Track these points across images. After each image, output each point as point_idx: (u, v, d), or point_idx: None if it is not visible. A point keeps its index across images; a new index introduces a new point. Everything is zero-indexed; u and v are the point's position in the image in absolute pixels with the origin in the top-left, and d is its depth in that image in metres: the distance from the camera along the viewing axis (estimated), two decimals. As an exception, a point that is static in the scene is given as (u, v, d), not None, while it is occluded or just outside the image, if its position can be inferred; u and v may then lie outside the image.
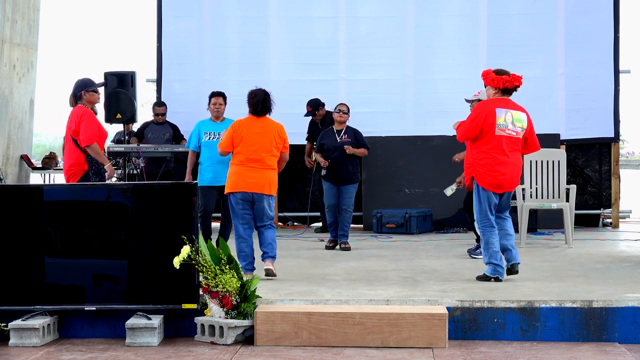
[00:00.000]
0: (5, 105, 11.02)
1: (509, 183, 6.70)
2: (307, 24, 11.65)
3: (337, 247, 8.89)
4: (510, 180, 6.70)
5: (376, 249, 9.07)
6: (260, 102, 6.94)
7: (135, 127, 11.64)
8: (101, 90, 11.13)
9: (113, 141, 11.81)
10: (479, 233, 6.92)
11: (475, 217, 6.90)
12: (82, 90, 7.58)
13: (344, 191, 8.80)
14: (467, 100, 8.47)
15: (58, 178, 13.09)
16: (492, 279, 6.65)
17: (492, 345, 5.56)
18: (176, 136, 10.93)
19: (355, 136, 8.87)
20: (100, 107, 11.56)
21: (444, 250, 8.83)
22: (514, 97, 6.85)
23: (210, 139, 8.26)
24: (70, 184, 7.15)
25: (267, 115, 7.04)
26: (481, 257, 7.95)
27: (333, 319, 5.57)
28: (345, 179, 8.77)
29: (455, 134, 7.26)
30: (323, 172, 8.81)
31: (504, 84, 6.70)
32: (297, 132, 11.34)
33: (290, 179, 11.83)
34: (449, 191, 8.48)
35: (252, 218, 6.94)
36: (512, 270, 6.69)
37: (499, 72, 6.74)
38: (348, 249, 8.78)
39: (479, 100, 8.17)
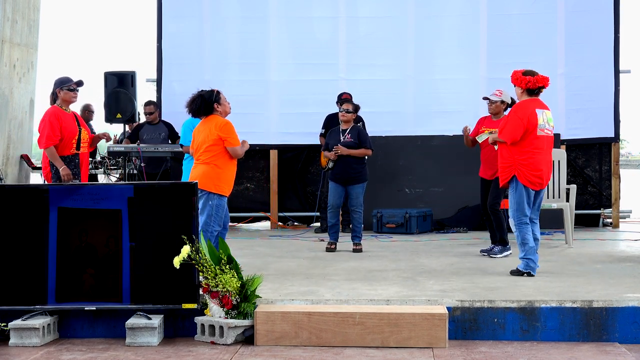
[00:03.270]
0: (5, 105, 11.02)
1: (546, 179, 7.03)
2: (307, 24, 11.64)
3: (336, 248, 8.83)
4: (548, 176, 7.04)
5: (376, 249, 9.07)
6: (187, 109, 7.08)
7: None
8: (103, 90, 11.19)
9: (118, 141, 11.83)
10: (513, 230, 7.08)
11: (511, 214, 7.06)
12: (57, 89, 7.54)
13: (351, 191, 8.73)
14: (485, 99, 8.45)
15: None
16: (525, 274, 6.87)
17: (492, 345, 5.56)
18: (172, 135, 10.94)
19: (358, 136, 8.78)
20: (100, 107, 11.62)
21: (444, 250, 8.82)
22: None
23: None
24: (70, 184, 7.15)
25: (215, 114, 7.02)
26: (500, 256, 8.07)
27: (333, 319, 5.57)
28: (351, 179, 8.71)
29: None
30: (331, 164, 8.70)
31: (526, 84, 6.93)
32: (296, 132, 11.38)
33: (290, 179, 11.83)
34: (483, 136, 8.36)
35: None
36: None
37: (526, 73, 6.99)
38: (360, 250, 8.68)
39: (502, 101, 8.23)
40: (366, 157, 8.89)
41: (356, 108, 8.90)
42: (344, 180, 8.70)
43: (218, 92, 7.05)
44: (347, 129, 8.79)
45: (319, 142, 10.63)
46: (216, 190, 6.86)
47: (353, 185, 8.72)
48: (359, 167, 8.76)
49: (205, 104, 7.00)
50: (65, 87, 7.52)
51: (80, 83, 7.64)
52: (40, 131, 7.50)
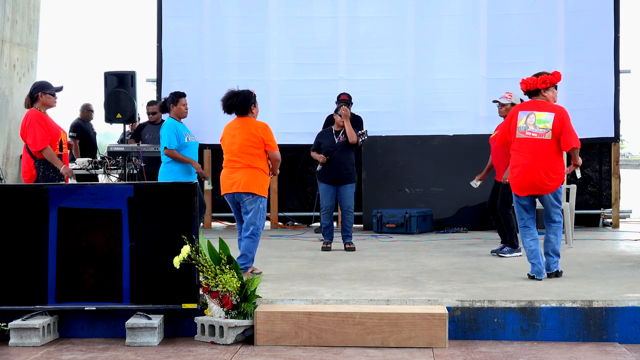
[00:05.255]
0: (5, 105, 11.02)
1: (529, 185, 6.68)
2: (307, 24, 11.64)
3: (332, 247, 8.85)
4: (531, 182, 6.66)
5: (376, 249, 9.07)
6: (222, 100, 7.04)
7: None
8: (103, 90, 11.19)
9: (118, 141, 11.84)
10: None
11: None
12: (39, 92, 7.55)
13: (342, 192, 8.79)
14: (494, 102, 8.44)
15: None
16: (531, 277, 6.74)
17: (492, 345, 5.56)
18: None
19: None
20: (100, 107, 11.62)
21: (444, 250, 8.82)
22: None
23: (189, 140, 8.21)
24: (70, 184, 7.15)
25: (250, 116, 7.05)
26: (508, 255, 8.08)
27: (333, 319, 5.58)
28: (343, 179, 8.76)
29: None
30: (319, 167, 8.76)
31: (523, 88, 6.88)
32: (296, 131, 11.37)
33: (290, 179, 11.83)
34: (474, 184, 8.61)
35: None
36: (551, 276, 6.76)
37: (536, 75, 6.86)
38: (353, 249, 8.75)
39: (512, 103, 8.20)
40: (360, 157, 9.00)
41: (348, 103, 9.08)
42: (335, 180, 8.76)
43: (255, 95, 7.06)
44: (340, 131, 8.85)
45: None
46: (264, 193, 6.96)
47: (344, 185, 8.78)
48: (351, 167, 8.83)
49: (246, 103, 7.01)
50: (48, 92, 7.58)
51: (60, 89, 7.74)
52: (30, 135, 7.45)
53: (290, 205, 11.91)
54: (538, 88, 6.79)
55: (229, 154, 7.03)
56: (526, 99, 7.08)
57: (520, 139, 6.75)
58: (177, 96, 8.17)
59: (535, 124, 6.70)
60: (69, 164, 10.78)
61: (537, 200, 6.90)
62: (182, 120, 8.16)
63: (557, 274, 6.76)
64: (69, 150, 8.53)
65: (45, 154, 7.45)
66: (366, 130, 9.87)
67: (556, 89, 6.90)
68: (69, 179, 7.56)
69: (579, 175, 7.40)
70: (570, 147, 6.71)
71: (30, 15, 11.71)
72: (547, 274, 6.75)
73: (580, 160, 6.92)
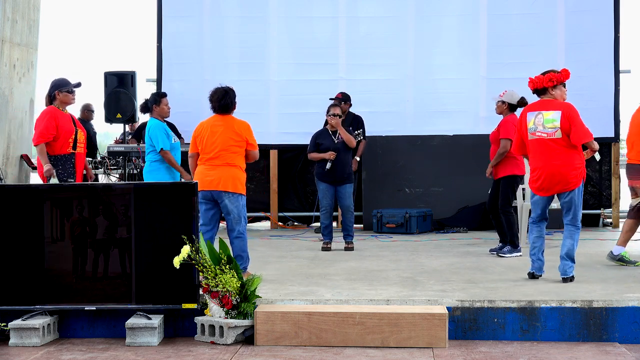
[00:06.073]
0: (5, 105, 11.02)
1: (550, 185, 6.61)
2: (307, 24, 11.64)
3: (331, 247, 8.86)
4: (551, 182, 6.59)
5: (376, 249, 9.07)
6: (215, 100, 6.95)
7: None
8: (103, 90, 11.20)
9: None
10: None
11: None
12: (56, 91, 7.57)
13: (342, 191, 8.80)
14: (493, 99, 8.50)
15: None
16: (530, 274, 6.76)
17: (492, 345, 5.56)
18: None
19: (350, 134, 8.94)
20: (100, 107, 11.63)
21: (444, 250, 8.82)
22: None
23: (175, 141, 8.20)
24: (70, 184, 7.15)
25: (231, 114, 7.00)
26: (508, 255, 8.08)
27: (333, 319, 5.58)
28: (343, 179, 8.79)
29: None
30: (328, 165, 8.73)
31: (530, 86, 6.80)
32: (296, 131, 11.38)
33: (290, 179, 11.84)
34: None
35: (214, 219, 6.88)
36: (567, 280, 6.62)
37: (543, 73, 6.75)
38: (352, 249, 8.78)
39: (503, 102, 8.22)
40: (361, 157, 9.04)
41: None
42: (337, 180, 8.77)
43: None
44: (336, 131, 8.86)
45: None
46: (244, 191, 6.92)
47: (344, 185, 8.80)
48: (349, 167, 8.91)
49: (233, 101, 6.98)
50: (65, 89, 7.56)
51: (78, 85, 7.69)
52: (35, 128, 7.57)
53: (290, 205, 11.90)
54: (545, 86, 6.66)
55: (209, 152, 6.84)
56: (529, 95, 7.06)
57: (532, 140, 6.68)
58: (159, 96, 8.17)
59: (544, 124, 6.60)
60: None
61: (554, 199, 6.80)
62: (164, 120, 8.19)
63: (572, 280, 6.60)
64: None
65: (37, 150, 7.49)
66: (361, 131, 9.87)
67: (565, 86, 6.76)
68: (48, 179, 7.40)
69: (597, 157, 7.21)
70: (581, 143, 6.56)
71: (30, 15, 11.71)
72: (563, 278, 6.58)
73: (596, 145, 6.68)
